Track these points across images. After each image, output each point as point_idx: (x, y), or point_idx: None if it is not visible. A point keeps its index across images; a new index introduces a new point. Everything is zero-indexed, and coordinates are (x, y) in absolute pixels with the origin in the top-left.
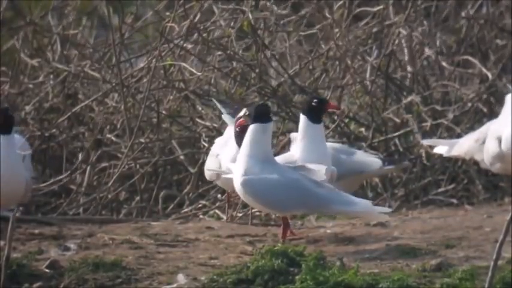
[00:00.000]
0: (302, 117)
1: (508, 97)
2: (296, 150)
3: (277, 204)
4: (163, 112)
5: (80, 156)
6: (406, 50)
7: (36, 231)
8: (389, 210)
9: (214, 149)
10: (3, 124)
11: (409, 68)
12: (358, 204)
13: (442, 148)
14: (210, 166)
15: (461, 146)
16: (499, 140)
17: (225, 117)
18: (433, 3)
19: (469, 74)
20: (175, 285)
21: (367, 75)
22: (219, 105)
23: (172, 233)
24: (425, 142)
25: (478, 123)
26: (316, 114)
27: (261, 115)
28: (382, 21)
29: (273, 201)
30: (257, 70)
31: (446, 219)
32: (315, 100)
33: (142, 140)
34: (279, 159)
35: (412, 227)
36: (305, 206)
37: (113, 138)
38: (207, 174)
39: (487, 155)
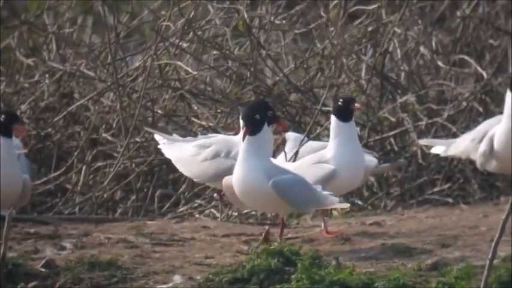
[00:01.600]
0: (332, 118)
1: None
2: (328, 150)
3: (303, 203)
4: (159, 111)
5: (75, 155)
6: (400, 49)
7: (32, 230)
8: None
9: (216, 150)
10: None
11: (404, 67)
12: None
13: (439, 148)
14: (221, 167)
15: (458, 146)
16: (492, 138)
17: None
18: (428, 2)
19: (465, 73)
20: (171, 284)
21: (363, 74)
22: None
23: (168, 232)
24: (422, 142)
25: (473, 122)
26: (344, 112)
27: (272, 117)
28: (377, 19)
29: (300, 200)
30: (252, 69)
31: (442, 218)
32: (341, 100)
33: (138, 139)
34: (310, 159)
35: (408, 227)
36: (314, 203)
37: (109, 138)
38: (208, 177)
39: (480, 154)
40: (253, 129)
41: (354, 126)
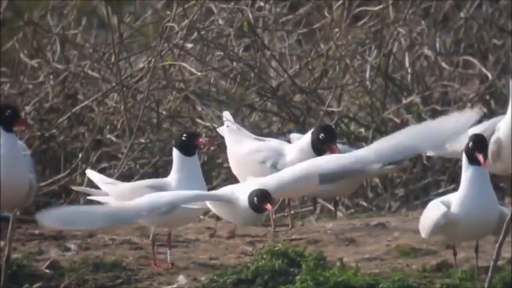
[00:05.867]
0: (175, 151)
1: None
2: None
3: None
4: (163, 112)
5: (80, 156)
6: (405, 50)
7: (37, 231)
8: None
9: (264, 156)
10: (7, 121)
11: (408, 68)
12: None
13: None
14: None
15: (456, 143)
16: (497, 129)
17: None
18: (432, 3)
19: (469, 74)
20: (175, 285)
21: (367, 75)
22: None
23: (172, 233)
24: None
25: (478, 123)
26: (188, 147)
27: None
28: (381, 20)
29: None
30: (256, 70)
31: None
32: (185, 135)
33: (142, 141)
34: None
35: (412, 228)
36: None
37: (113, 139)
38: None
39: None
40: None
41: (197, 160)
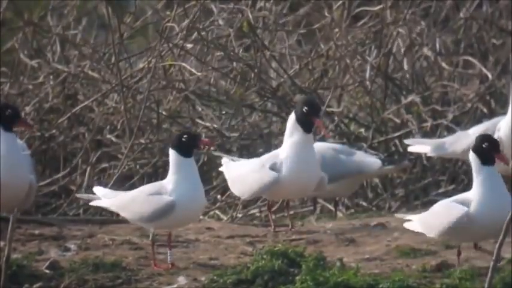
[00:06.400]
0: (172, 152)
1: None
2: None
3: None
4: (163, 113)
5: (80, 156)
6: (405, 50)
7: (37, 231)
8: None
9: (262, 162)
10: (7, 121)
11: (408, 68)
12: None
13: (422, 147)
14: (264, 178)
15: (457, 144)
16: (498, 129)
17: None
18: (432, 3)
19: (469, 74)
20: (175, 285)
21: (367, 75)
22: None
23: (172, 234)
24: (407, 142)
25: (477, 123)
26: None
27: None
28: (381, 20)
29: None
30: (256, 70)
31: None
32: (186, 136)
33: (142, 141)
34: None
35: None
36: None
37: (113, 139)
38: (254, 192)
39: None
40: None
41: (194, 161)
